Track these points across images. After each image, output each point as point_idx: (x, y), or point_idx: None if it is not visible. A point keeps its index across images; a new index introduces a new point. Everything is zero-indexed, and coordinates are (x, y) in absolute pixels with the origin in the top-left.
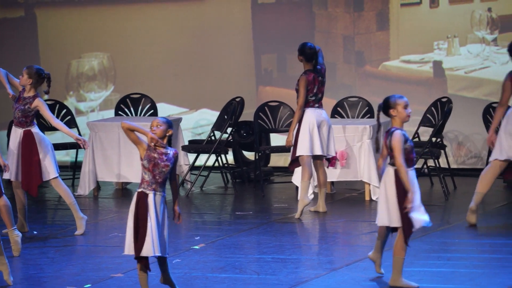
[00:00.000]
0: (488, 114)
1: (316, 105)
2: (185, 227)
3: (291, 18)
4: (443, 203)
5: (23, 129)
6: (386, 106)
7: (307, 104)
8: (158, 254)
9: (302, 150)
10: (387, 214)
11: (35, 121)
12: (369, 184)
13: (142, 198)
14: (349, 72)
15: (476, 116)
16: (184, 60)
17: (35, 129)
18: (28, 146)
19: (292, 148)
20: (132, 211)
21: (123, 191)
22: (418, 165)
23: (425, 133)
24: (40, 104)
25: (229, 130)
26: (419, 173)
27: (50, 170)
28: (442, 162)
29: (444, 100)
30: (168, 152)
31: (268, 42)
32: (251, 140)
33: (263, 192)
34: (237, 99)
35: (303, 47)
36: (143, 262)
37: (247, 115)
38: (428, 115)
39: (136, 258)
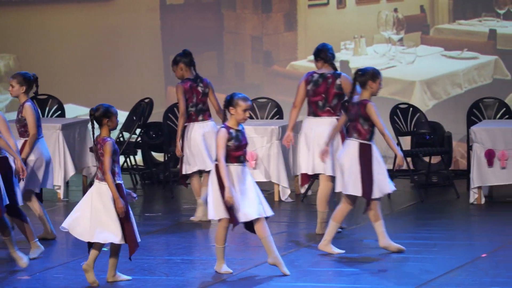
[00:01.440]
0: (395, 115)
1: (200, 117)
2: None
3: (199, 19)
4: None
5: (24, 139)
6: (229, 102)
7: (190, 117)
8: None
9: (191, 167)
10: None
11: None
12: (279, 185)
13: None
14: (257, 72)
15: (382, 115)
16: (92, 61)
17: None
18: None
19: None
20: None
21: None
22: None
23: None
24: (29, 112)
25: (138, 131)
26: None
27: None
28: None
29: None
30: None
31: (177, 43)
32: (160, 141)
33: (172, 194)
34: (146, 100)
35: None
36: None
37: (156, 116)
38: None
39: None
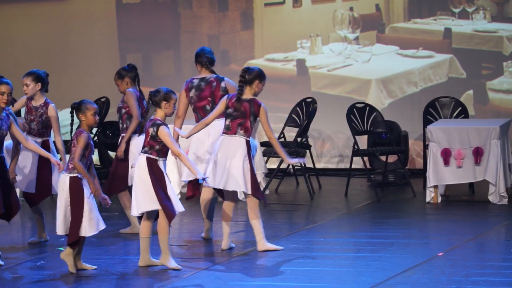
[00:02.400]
0: (352, 114)
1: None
2: (49, 229)
3: (156, 18)
4: (309, 202)
5: (42, 139)
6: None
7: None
8: None
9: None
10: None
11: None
12: None
13: None
14: (215, 71)
15: (339, 114)
16: (47, 60)
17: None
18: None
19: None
20: None
21: None
22: (284, 165)
23: (292, 133)
24: (54, 115)
25: (94, 130)
26: (285, 173)
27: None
28: (307, 162)
29: (308, 100)
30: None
31: (133, 42)
32: (117, 140)
33: (129, 193)
34: (103, 99)
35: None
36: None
37: (113, 115)
38: (293, 115)
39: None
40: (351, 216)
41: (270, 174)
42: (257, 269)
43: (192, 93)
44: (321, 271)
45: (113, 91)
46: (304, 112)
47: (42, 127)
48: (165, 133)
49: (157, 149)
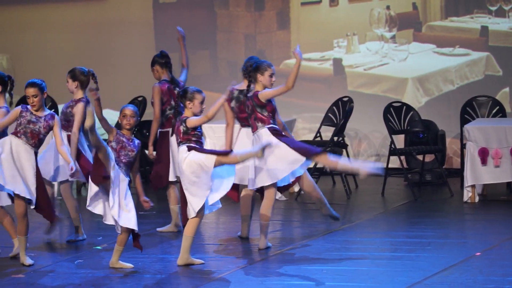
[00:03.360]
0: (389, 113)
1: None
2: (88, 227)
3: (192, 18)
4: (345, 202)
5: (67, 133)
6: (184, 96)
7: (168, 121)
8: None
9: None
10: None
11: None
12: None
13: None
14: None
15: (375, 113)
16: (85, 60)
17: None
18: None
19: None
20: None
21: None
22: (320, 164)
23: (328, 132)
24: (79, 111)
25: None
26: (322, 172)
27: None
28: None
29: (345, 99)
30: (134, 140)
31: (169, 41)
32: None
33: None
34: (139, 98)
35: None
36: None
37: (150, 114)
38: (329, 114)
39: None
40: (388, 216)
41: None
42: (294, 268)
43: (233, 104)
44: (358, 271)
45: (149, 91)
46: (341, 111)
47: (63, 119)
48: (193, 120)
49: (195, 140)
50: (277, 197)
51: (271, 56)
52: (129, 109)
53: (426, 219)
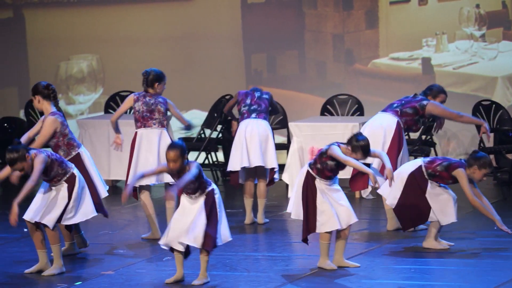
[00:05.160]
0: (478, 111)
1: (253, 115)
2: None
3: (280, 18)
4: None
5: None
6: None
7: (241, 115)
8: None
9: (233, 165)
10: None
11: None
12: None
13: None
14: (338, 71)
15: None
16: (173, 60)
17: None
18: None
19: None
20: None
21: (113, 188)
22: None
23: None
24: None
25: (219, 127)
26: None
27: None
28: None
29: None
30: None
31: (257, 42)
32: None
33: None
34: (227, 97)
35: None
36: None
37: (236, 114)
38: None
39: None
40: (476, 215)
41: None
42: (381, 268)
43: None
44: (446, 270)
45: (237, 90)
46: None
47: (162, 116)
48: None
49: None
50: (364, 196)
51: (359, 55)
52: (169, 154)
53: None
